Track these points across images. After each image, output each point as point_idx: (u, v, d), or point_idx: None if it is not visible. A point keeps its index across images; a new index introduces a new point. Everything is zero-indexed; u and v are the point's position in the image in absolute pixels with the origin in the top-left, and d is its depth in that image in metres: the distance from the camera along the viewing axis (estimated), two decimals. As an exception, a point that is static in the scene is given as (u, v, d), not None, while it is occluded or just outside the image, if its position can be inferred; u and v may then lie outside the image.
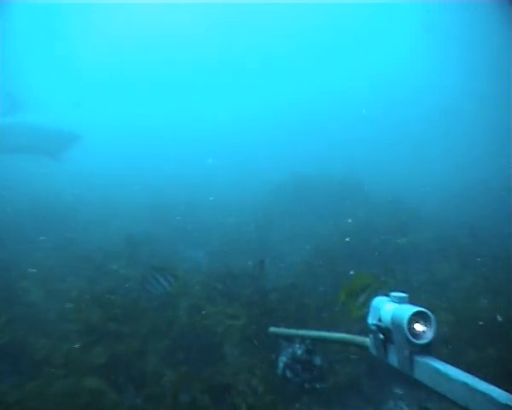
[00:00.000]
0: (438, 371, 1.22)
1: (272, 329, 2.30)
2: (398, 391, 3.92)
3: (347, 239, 7.61)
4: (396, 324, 1.36)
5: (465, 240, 7.46)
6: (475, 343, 3.87)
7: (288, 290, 4.88)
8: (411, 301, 1.43)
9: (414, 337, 1.31)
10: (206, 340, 4.10)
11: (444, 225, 8.57)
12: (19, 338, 4.00)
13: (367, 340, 1.60)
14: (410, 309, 1.33)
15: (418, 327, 1.33)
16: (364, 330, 1.72)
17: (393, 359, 1.43)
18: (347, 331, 1.91)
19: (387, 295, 1.49)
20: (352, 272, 6.06)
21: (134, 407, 3.17)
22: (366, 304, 2.88)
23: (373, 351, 1.56)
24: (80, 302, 4.53)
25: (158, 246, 7.87)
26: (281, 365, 2.12)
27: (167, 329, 4.17)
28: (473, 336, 4.03)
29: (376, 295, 1.55)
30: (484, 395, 1.06)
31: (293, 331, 2.15)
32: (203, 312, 4.43)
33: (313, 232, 8.61)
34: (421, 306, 1.35)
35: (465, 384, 1.12)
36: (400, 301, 1.42)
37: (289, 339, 2.17)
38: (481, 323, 4.11)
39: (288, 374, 2.09)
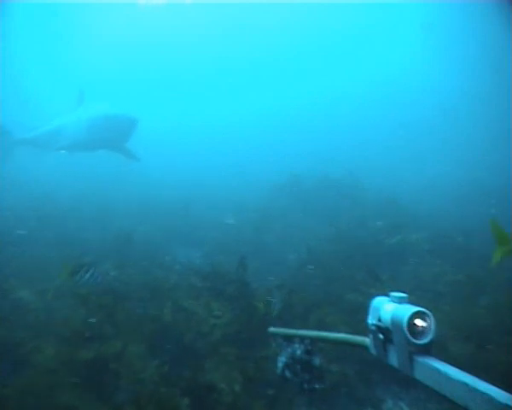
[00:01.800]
0: (438, 371, 1.22)
1: (272, 329, 2.29)
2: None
3: (340, 241, 7.67)
4: (396, 324, 1.36)
5: (458, 240, 7.49)
6: (464, 344, 3.89)
7: (276, 290, 4.93)
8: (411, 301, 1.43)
9: (414, 337, 1.31)
10: (190, 339, 4.11)
11: (438, 224, 8.60)
12: (5, 337, 4.01)
13: (367, 340, 1.60)
14: (409, 309, 1.33)
15: (418, 327, 1.33)
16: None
17: (393, 359, 1.43)
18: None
19: (387, 295, 1.48)
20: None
21: (116, 407, 3.16)
22: None
23: (373, 351, 1.56)
24: (65, 303, 4.56)
25: (152, 246, 7.89)
26: (280, 365, 2.11)
27: (152, 329, 4.18)
28: (460, 336, 4.06)
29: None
30: (484, 395, 1.06)
31: (292, 331, 2.14)
32: (189, 312, 4.45)
33: (308, 233, 8.65)
34: (421, 306, 1.35)
35: (465, 384, 1.12)
36: (400, 301, 1.42)
37: (289, 339, 2.16)
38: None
39: (288, 374, 2.08)
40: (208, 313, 4.42)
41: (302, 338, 2.07)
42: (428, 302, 4.51)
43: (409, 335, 1.30)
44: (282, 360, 2.07)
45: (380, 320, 1.46)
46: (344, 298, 5.19)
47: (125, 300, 4.81)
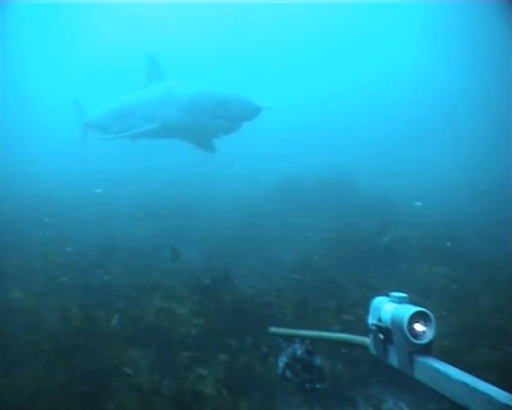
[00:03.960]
0: (438, 371, 1.22)
1: (272, 329, 2.30)
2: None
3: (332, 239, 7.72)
4: (396, 324, 1.36)
5: (448, 241, 7.51)
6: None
7: (261, 291, 4.97)
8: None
9: (414, 337, 1.32)
10: (172, 342, 4.13)
11: (434, 224, 8.62)
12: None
13: (367, 340, 1.60)
14: (409, 309, 1.33)
15: (418, 327, 1.33)
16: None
17: (393, 359, 1.43)
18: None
19: (387, 295, 1.49)
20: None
21: None
22: None
23: (373, 351, 1.56)
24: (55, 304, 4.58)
25: (149, 246, 7.87)
26: (281, 365, 2.11)
27: (135, 332, 4.19)
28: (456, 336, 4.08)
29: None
30: (484, 395, 1.06)
31: (293, 331, 2.14)
32: (174, 314, 4.47)
33: (302, 233, 8.64)
34: (421, 306, 1.35)
35: (465, 384, 1.12)
36: (400, 301, 1.42)
37: (289, 339, 2.17)
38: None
39: (288, 374, 2.08)
40: (193, 315, 4.43)
41: (302, 338, 2.08)
42: (421, 302, 4.52)
43: (409, 335, 1.31)
44: (282, 360, 2.08)
45: (380, 320, 1.46)
46: (335, 298, 5.22)
47: (115, 303, 4.83)
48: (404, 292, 1.45)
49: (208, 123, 7.67)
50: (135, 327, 4.26)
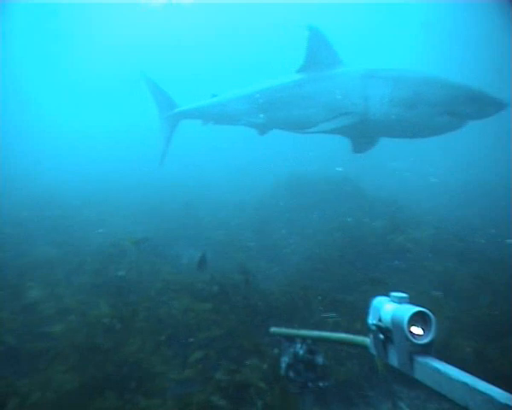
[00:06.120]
0: (438, 371, 1.23)
1: (273, 329, 2.31)
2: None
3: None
4: (396, 324, 1.37)
5: (461, 239, 7.50)
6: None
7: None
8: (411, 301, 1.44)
9: (414, 337, 1.32)
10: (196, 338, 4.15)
11: (441, 224, 8.61)
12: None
13: (367, 340, 1.61)
14: (410, 309, 1.34)
15: (418, 328, 1.34)
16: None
17: (393, 359, 1.44)
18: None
19: (388, 295, 1.49)
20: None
21: None
22: None
23: (373, 351, 1.57)
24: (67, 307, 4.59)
25: (156, 248, 7.85)
26: (283, 365, 2.12)
27: (167, 329, 4.19)
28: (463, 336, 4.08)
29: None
30: (484, 395, 1.07)
31: (293, 331, 2.16)
32: (194, 312, 4.49)
33: (308, 233, 8.62)
34: (421, 306, 1.35)
35: (465, 384, 1.13)
36: (400, 300, 1.43)
37: (290, 339, 2.18)
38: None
39: (291, 374, 2.10)
40: (216, 315, 4.42)
41: (304, 338, 2.08)
42: (432, 302, 4.53)
43: (409, 335, 1.31)
44: (284, 361, 2.08)
45: (380, 320, 1.47)
46: (343, 298, 5.21)
47: (138, 301, 4.82)
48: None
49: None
50: (161, 326, 4.25)
